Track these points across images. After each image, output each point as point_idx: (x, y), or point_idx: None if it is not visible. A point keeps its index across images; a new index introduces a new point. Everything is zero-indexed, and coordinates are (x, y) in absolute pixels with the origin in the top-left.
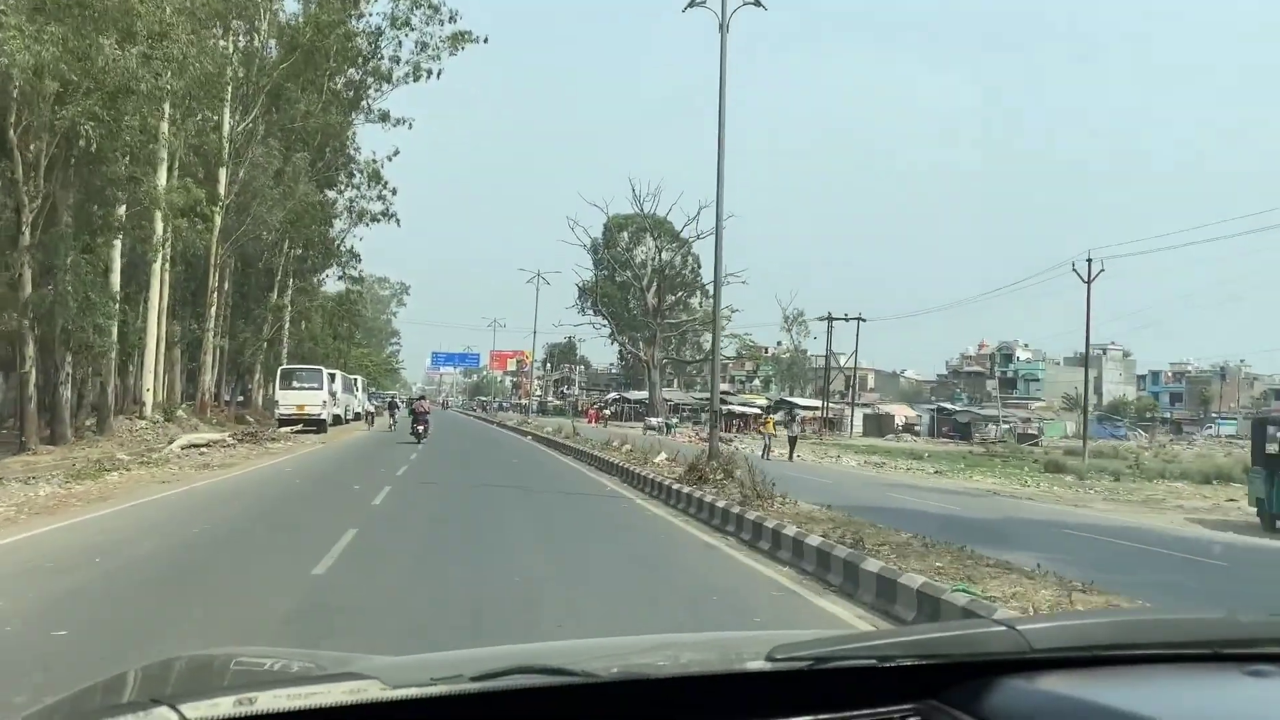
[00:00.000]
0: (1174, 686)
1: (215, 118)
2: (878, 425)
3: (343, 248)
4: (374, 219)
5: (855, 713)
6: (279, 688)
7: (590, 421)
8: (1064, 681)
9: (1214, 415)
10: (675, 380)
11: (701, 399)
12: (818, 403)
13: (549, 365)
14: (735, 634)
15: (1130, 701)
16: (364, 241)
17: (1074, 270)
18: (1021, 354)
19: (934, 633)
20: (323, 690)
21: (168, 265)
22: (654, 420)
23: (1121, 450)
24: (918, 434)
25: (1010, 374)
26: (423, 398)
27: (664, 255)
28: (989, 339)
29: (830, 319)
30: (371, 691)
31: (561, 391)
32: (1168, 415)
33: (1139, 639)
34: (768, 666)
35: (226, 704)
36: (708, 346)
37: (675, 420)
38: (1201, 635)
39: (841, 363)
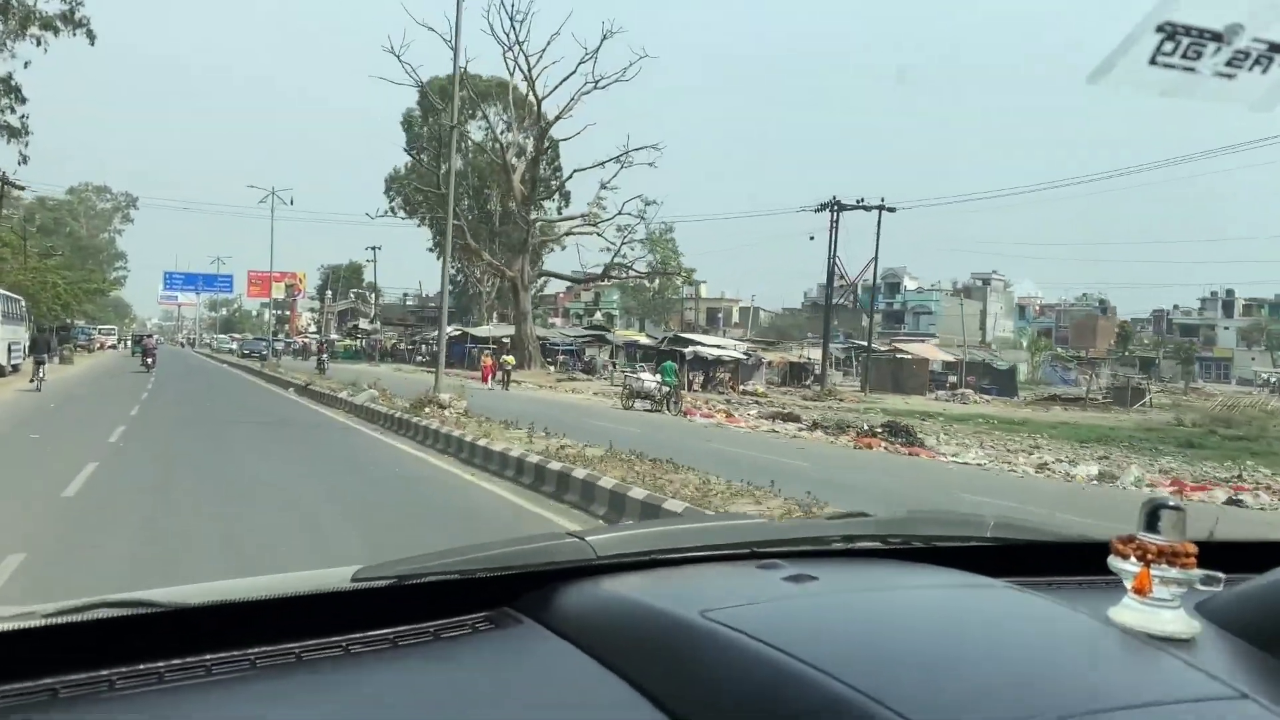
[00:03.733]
0: (699, 580)
1: None
2: (894, 376)
3: None
4: (48, 25)
5: (433, 623)
6: None
7: (486, 379)
8: (620, 583)
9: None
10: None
11: (581, 338)
12: (723, 342)
13: (331, 294)
14: (352, 569)
15: (664, 592)
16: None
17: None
18: (910, 283)
19: (514, 546)
20: None
21: None
22: (645, 377)
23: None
24: (985, 390)
25: (898, 306)
26: (150, 335)
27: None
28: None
29: (837, 207)
30: None
31: (355, 328)
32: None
33: (689, 543)
34: (352, 586)
35: None
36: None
37: (652, 376)
38: (741, 538)
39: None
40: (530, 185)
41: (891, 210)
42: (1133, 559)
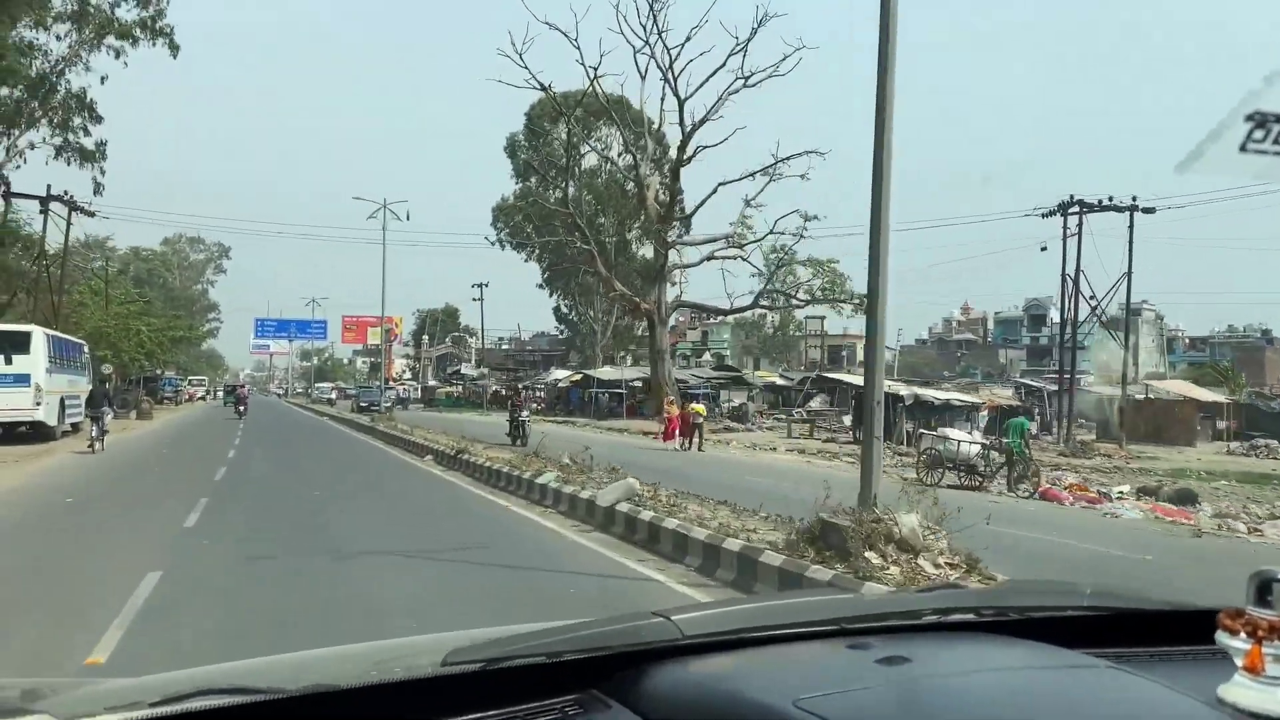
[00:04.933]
0: (792, 662)
1: None
2: (1154, 423)
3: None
4: (125, 34)
5: (522, 707)
6: None
7: (671, 436)
8: (708, 665)
9: None
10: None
11: (716, 379)
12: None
13: (428, 339)
14: (440, 636)
15: (755, 679)
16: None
17: None
18: (1056, 315)
19: (601, 627)
20: None
21: None
22: (958, 436)
23: None
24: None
25: (1044, 340)
26: (242, 385)
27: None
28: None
29: (1079, 208)
30: None
31: (457, 373)
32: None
33: (777, 620)
34: (442, 671)
35: None
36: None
37: (965, 436)
38: (829, 614)
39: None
40: (669, 203)
41: (1150, 211)
42: (1242, 635)
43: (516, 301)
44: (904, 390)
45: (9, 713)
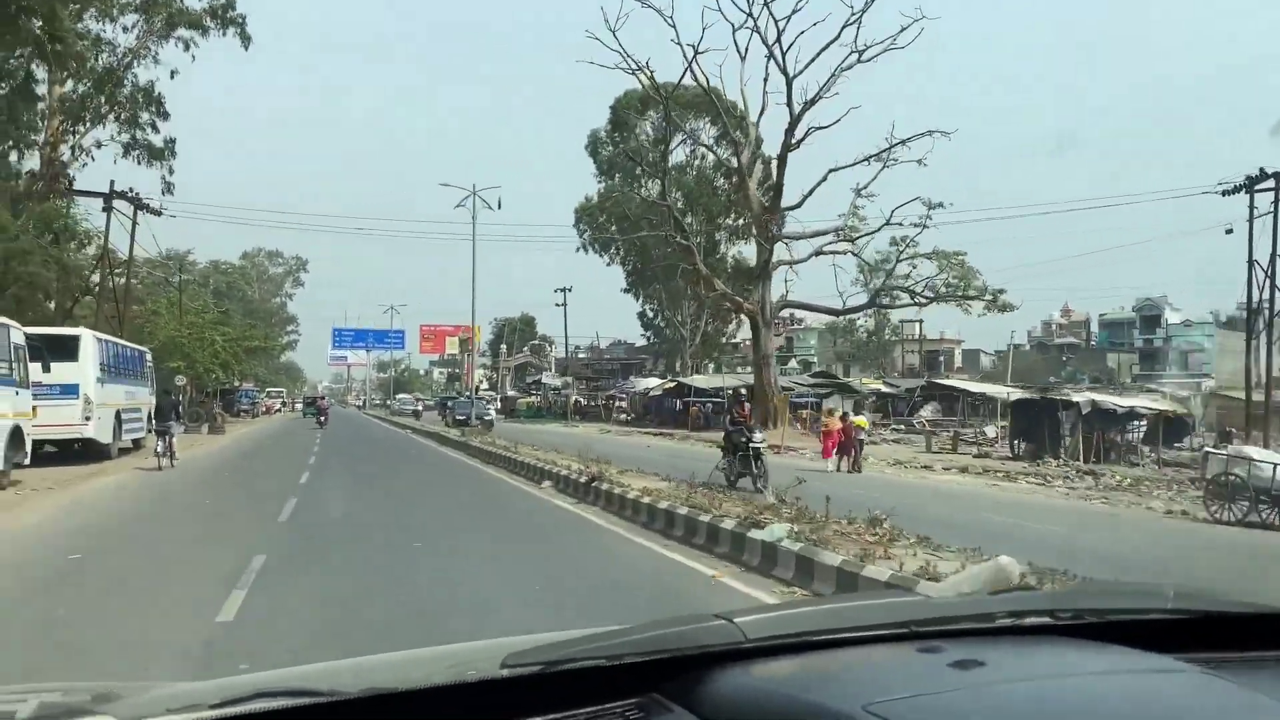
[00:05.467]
0: (860, 666)
1: None
2: None
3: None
4: (195, 24)
5: (583, 710)
6: None
7: (830, 453)
8: (771, 668)
9: None
10: (699, 363)
11: (821, 388)
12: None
13: (506, 348)
14: (500, 641)
15: (820, 682)
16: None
17: None
18: (1173, 316)
19: (661, 629)
20: None
21: None
22: (1263, 456)
23: None
24: None
25: (1159, 343)
26: (322, 397)
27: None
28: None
29: (1276, 181)
30: None
31: (537, 383)
32: None
33: (841, 624)
34: (501, 673)
35: None
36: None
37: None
38: (896, 617)
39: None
40: (775, 194)
41: None
42: None
43: (594, 309)
44: (1079, 397)
45: (76, 713)
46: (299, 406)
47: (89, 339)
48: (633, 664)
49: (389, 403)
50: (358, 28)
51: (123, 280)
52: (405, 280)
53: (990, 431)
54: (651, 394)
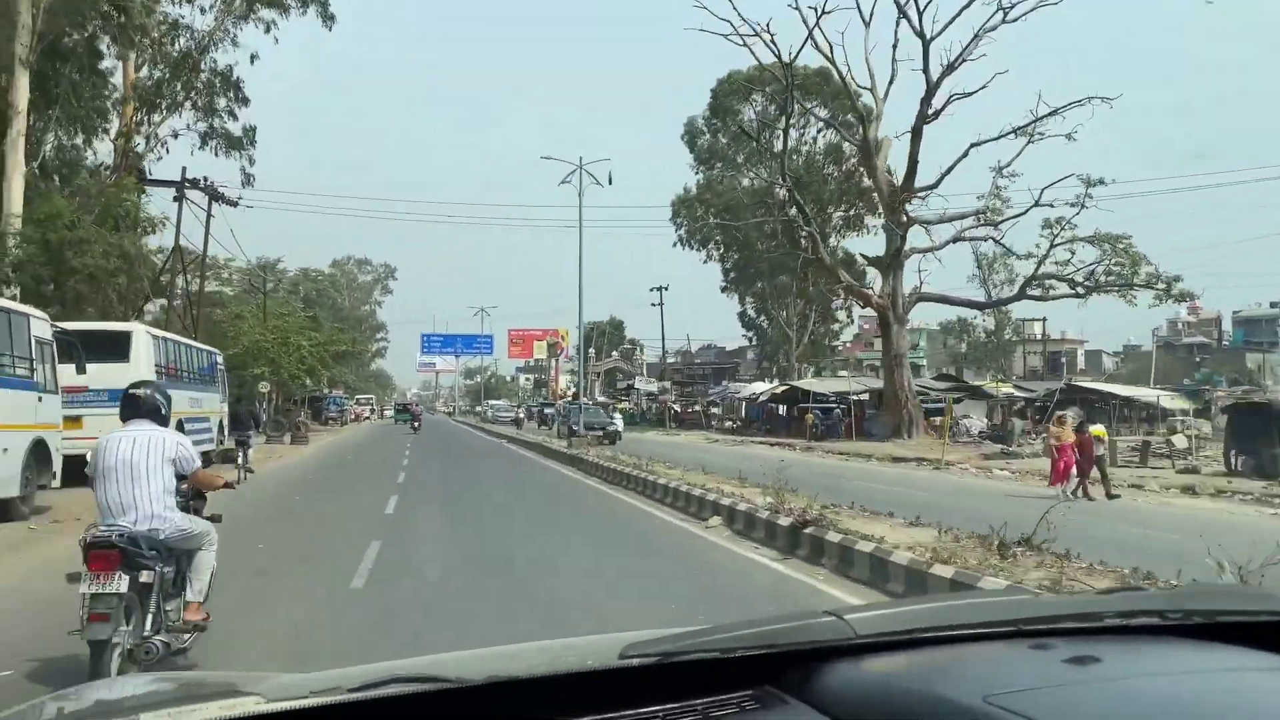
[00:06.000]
0: (971, 662)
1: None
2: None
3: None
4: (276, 2)
5: (699, 701)
6: (162, 708)
7: (1063, 478)
8: (882, 663)
9: None
10: (787, 368)
11: (953, 391)
12: None
13: (594, 352)
14: (619, 635)
15: (932, 678)
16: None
17: None
18: None
19: (773, 624)
20: (201, 708)
21: None
22: None
23: None
24: None
25: None
26: (415, 403)
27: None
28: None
29: None
30: (247, 706)
31: (629, 388)
32: None
33: (951, 621)
34: (619, 663)
35: None
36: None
37: None
38: (1006, 615)
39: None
40: (908, 172)
41: None
42: None
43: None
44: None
45: (223, 694)
46: (387, 414)
47: (143, 336)
48: (745, 657)
49: (478, 409)
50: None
51: (195, 277)
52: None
53: (1179, 442)
54: (759, 399)
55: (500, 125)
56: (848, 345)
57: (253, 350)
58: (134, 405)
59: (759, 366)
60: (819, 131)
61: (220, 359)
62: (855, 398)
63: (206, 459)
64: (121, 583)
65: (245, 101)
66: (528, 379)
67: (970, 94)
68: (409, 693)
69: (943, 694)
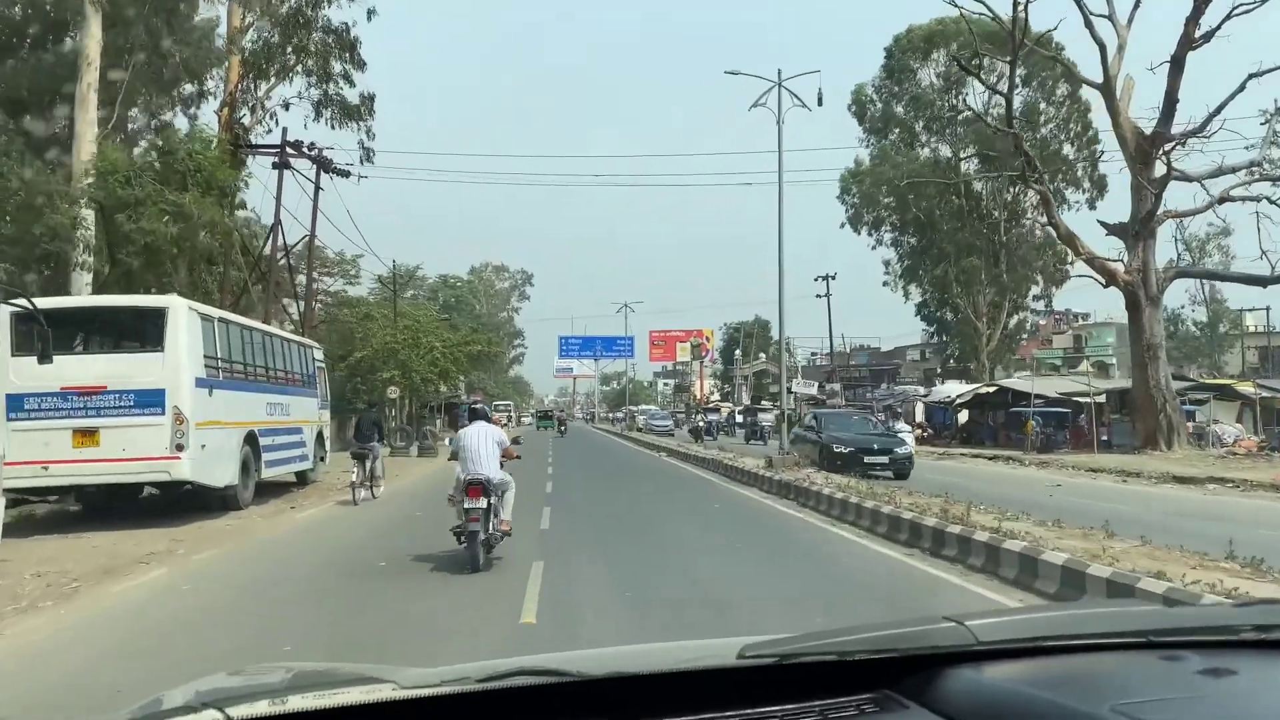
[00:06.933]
0: (1098, 672)
1: None
2: None
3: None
4: None
5: (817, 702)
6: (307, 691)
7: None
8: (1004, 670)
9: None
10: (965, 366)
11: (1203, 390)
12: None
13: (741, 354)
14: (735, 639)
15: (1057, 687)
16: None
17: None
18: None
19: (892, 629)
20: (343, 692)
21: None
22: None
23: None
24: None
25: None
26: (560, 410)
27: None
28: None
29: None
30: (385, 691)
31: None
32: None
33: (1076, 630)
34: (738, 662)
35: (263, 705)
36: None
37: None
38: (1133, 626)
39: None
40: (1164, 113)
41: None
42: None
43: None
44: None
45: (359, 681)
46: (525, 421)
47: (182, 313)
48: (863, 661)
49: (617, 416)
50: None
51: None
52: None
53: None
54: (954, 402)
55: (633, 99)
56: (1024, 343)
57: (382, 352)
58: (474, 415)
59: (943, 366)
60: (1056, 58)
61: (319, 354)
62: (1092, 399)
63: (303, 479)
64: (482, 502)
65: (362, 65)
66: (666, 384)
67: (1250, 7)
68: (535, 684)
69: (1067, 703)
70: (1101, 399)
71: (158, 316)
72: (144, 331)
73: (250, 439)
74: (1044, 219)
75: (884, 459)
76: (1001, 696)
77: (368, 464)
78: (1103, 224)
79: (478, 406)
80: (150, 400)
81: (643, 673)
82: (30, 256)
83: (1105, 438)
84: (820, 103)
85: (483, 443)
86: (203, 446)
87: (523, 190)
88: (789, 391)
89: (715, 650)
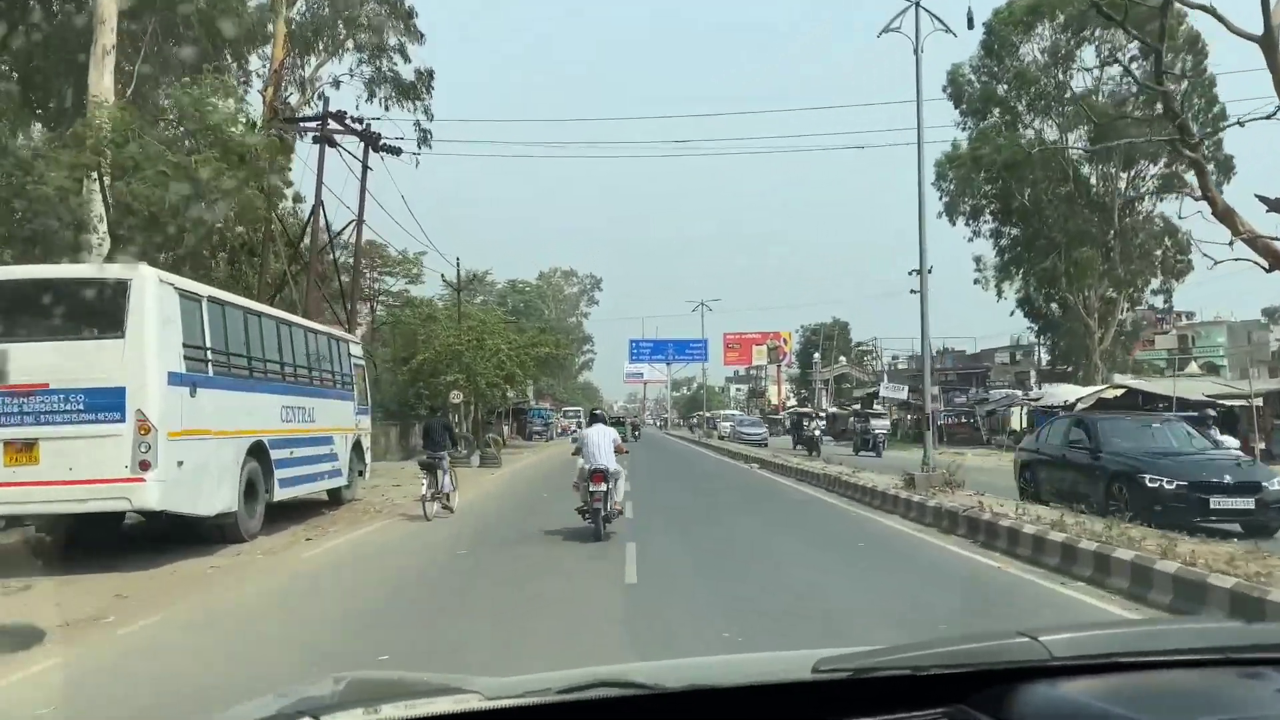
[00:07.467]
0: (1176, 689)
1: None
2: None
3: None
4: None
5: (891, 717)
6: (398, 700)
7: None
8: (1080, 686)
9: None
10: (1086, 365)
11: None
12: None
13: (820, 357)
14: (811, 652)
15: (1134, 703)
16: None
17: None
18: None
19: (965, 644)
20: (433, 702)
21: None
22: None
23: None
24: None
25: None
26: (633, 417)
27: None
28: None
29: None
30: (472, 702)
31: (873, 396)
32: None
33: (1153, 646)
34: (812, 676)
35: (357, 714)
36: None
37: None
38: (1212, 642)
39: None
40: None
41: None
42: None
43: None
44: None
45: (445, 691)
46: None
47: (150, 287)
48: (937, 675)
49: (690, 421)
50: None
51: (345, 251)
52: (701, 290)
53: None
54: (1074, 406)
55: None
56: (1139, 342)
57: (445, 354)
58: (594, 419)
59: (1039, 368)
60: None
61: (357, 349)
62: (1251, 402)
63: (337, 498)
64: (603, 486)
65: (420, 37)
66: (739, 389)
67: None
68: (613, 696)
69: (1142, 719)
70: (1259, 402)
71: (118, 292)
72: (100, 312)
73: (257, 451)
74: (1175, 198)
75: (1246, 502)
76: (1076, 712)
77: (439, 475)
78: (1261, 198)
79: (598, 412)
80: (106, 403)
81: (719, 685)
82: (17, 235)
83: (1264, 445)
84: (970, 25)
85: (602, 440)
86: (179, 463)
87: (589, 187)
88: (875, 395)
89: (791, 663)
